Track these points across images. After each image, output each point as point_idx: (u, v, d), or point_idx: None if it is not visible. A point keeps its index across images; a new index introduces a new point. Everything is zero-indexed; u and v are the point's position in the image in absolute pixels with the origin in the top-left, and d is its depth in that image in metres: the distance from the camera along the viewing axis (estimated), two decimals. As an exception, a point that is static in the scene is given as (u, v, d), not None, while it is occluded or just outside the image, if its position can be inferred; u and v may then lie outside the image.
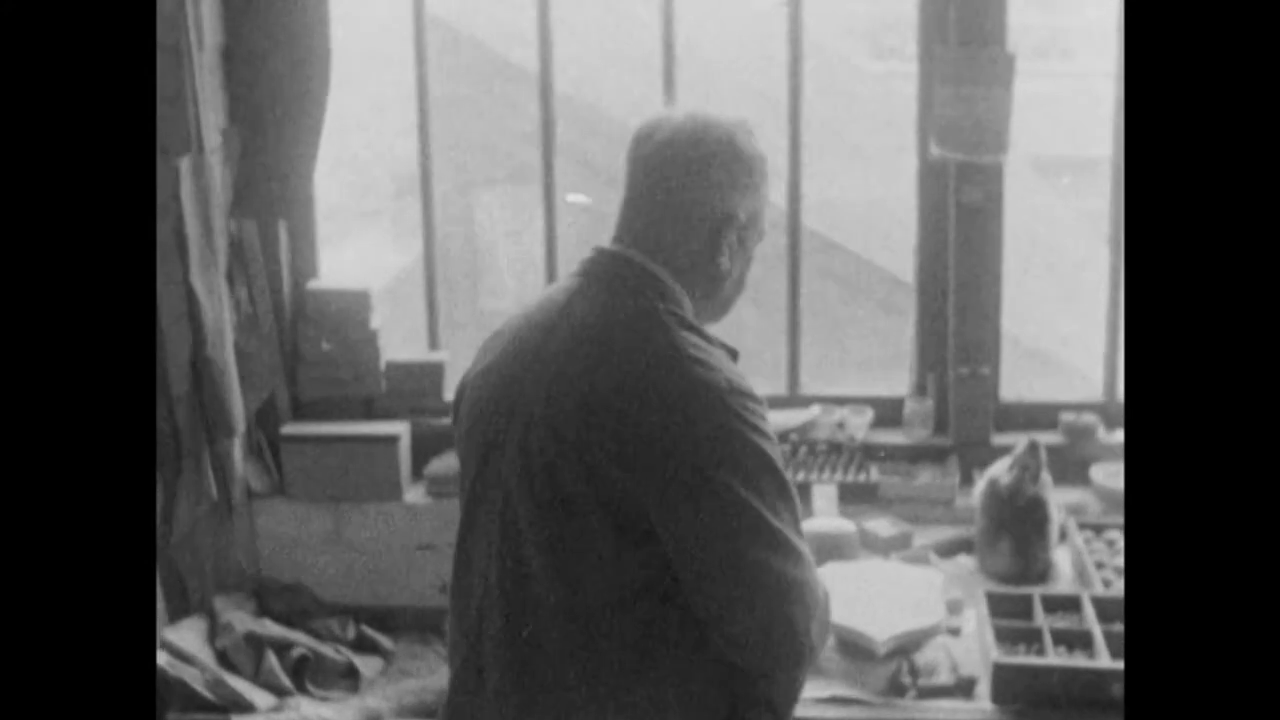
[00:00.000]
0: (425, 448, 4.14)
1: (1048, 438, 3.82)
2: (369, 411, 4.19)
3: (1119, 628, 2.96)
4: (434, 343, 4.35)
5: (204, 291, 3.83)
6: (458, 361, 4.26)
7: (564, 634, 2.16)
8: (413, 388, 4.18)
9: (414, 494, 4.10)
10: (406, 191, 12.25)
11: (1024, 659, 2.96)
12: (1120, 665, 2.83)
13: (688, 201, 2.24)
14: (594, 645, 2.15)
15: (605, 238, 2.32)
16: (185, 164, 3.75)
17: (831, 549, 3.53)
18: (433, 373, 4.19)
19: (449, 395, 4.20)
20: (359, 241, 9.84)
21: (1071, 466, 3.87)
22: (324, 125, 4.02)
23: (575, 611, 2.15)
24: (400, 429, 4.10)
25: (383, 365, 4.18)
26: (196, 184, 3.79)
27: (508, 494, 2.20)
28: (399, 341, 4.39)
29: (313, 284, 4.16)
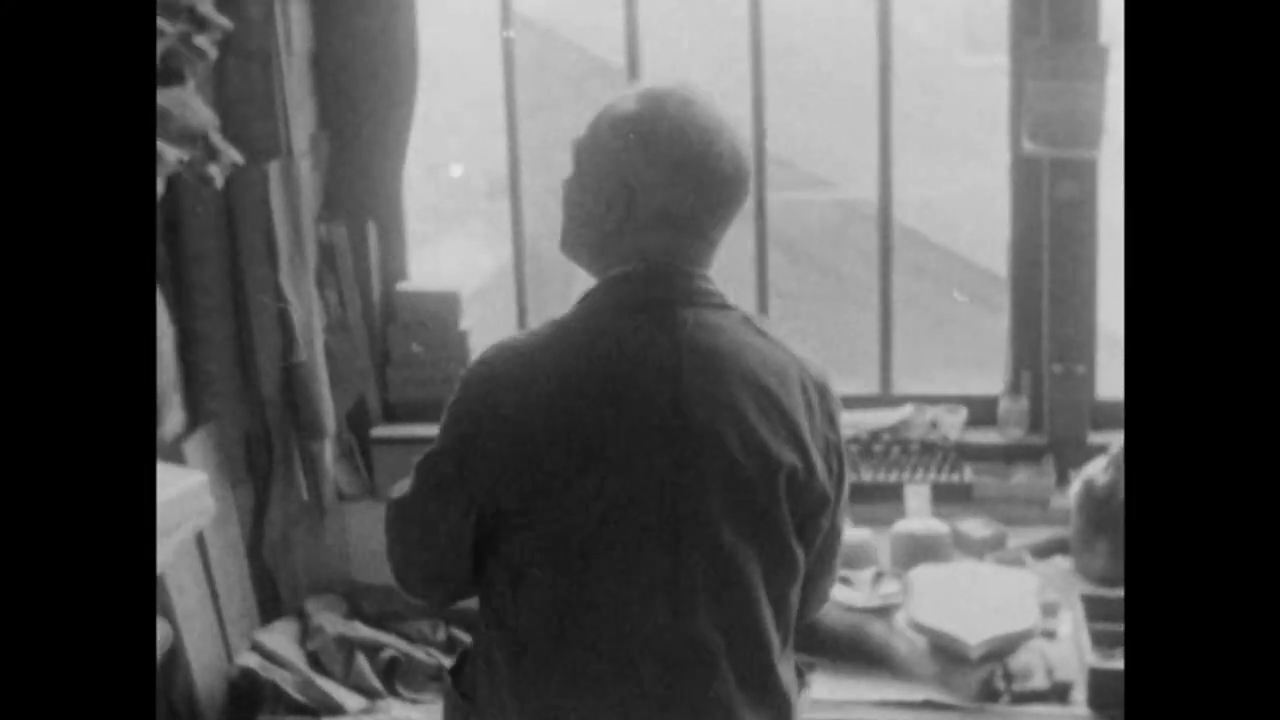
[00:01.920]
0: (515, 449, 4.13)
1: (1147, 437, 3.73)
2: (459, 412, 4.18)
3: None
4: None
5: (293, 294, 3.85)
6: (547, 362, 4.25)
7: (764, 656, 2.19)
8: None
9: (504, 495, 4.08)
10: (499, 193, 12.32)
11: (1121, 663, 2.90)
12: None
13: (741, 196, 2.18)
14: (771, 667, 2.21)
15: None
16: (275, 168, 3.77)
17: (924, 550, 3.48)
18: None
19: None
20: (453, 243, 9.89)
21: (1171, 466, 3.79)
22: (412, 127, 4.03)
23: (769, 636, 2.19)
24: (489, 430, 4.08)
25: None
26: (286, 188, 3.81)
27: (697, 531, 2.11)
28: (490, 343, 4.39)
29: (402, 286, 4.17)
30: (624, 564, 2.11)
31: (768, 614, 2.17)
